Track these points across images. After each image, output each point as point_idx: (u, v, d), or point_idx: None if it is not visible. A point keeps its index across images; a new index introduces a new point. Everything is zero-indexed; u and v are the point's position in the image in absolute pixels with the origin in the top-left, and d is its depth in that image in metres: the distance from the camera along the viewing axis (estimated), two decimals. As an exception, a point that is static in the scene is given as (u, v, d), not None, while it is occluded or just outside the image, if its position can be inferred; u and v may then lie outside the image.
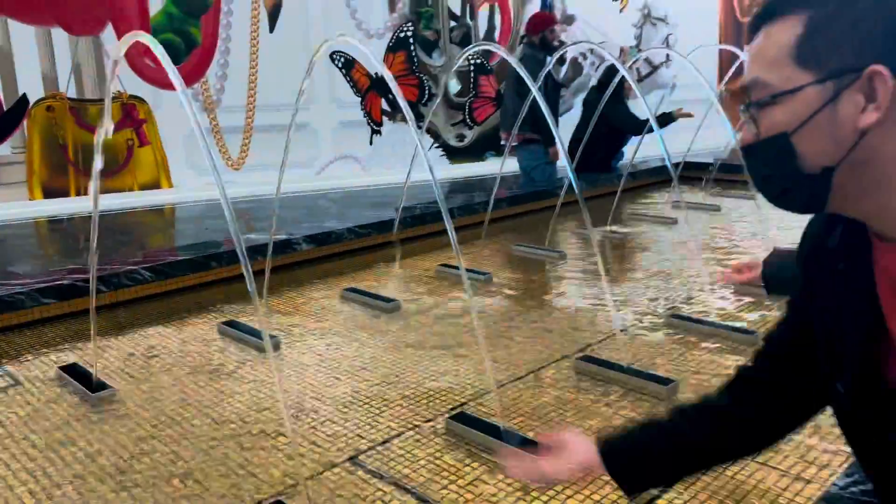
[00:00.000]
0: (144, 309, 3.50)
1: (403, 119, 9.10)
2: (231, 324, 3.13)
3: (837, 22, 0.80)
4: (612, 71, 5.49)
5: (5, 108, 6.33)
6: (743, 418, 1.13)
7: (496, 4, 9.80)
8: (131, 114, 7.30)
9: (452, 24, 9.52)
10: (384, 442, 2.15)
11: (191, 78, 7.58)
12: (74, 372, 2.67)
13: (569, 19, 10.58)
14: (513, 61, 3.51)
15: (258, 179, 7.43)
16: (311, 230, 4.34)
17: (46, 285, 3.30)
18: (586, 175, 4.54)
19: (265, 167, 7.76)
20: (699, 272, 3.85)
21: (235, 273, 3.85)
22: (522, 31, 7.71)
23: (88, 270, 2.51)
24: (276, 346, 2.89)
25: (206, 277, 3.75)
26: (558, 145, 3.57)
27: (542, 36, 5.98)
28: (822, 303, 0.98)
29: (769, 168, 0.88)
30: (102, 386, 2.53)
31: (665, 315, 3.17)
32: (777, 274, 1.56)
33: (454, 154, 9.48)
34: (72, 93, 6.88)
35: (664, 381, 2.42)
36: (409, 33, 9.12)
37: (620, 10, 11.23)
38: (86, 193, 6.89)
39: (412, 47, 9.06)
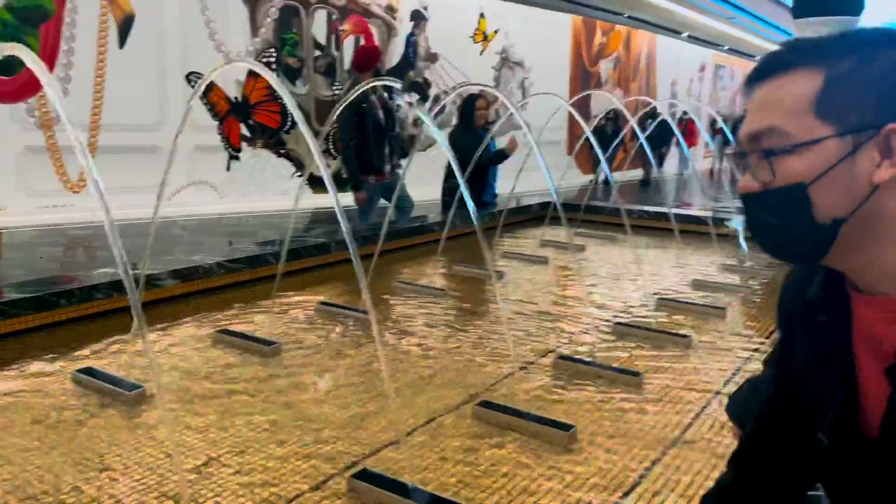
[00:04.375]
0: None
1: (264, 145, 8.85)
2: (89, 371, 2.77)
3: (856, 79, 0.82)
4: (468, 102, 5.59)
5: None
6: (754, 487, 1.10)
7: (361, 36, 9.79)
8: (-47, 127, 6.50)
9: (317, 52, 9.38)
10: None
11: (24, 91, 6.90)
12: None
13: (432, 57, 10.78)
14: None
15: (100, 204, 6.81)
16: (173, 263, 4.00)
17: None
18: (459, 211, 4.56)
19: (109, 191, 7.13)
20: (576, 312, 3.96)
21: (85, 313, 3.47)
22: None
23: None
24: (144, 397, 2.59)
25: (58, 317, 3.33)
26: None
27: (375, 72, 5.62)
28: (804, 354, 0.99)
29: (777, 217, 0.88)
30: None
31: (551, 356, 3.19)
32: (742, 411, 1.53)
33: (317, 183, 9.28)
34: None
35: (564, 427, 2.41)
36: (272, 59, 8.88)
37: (481, 53, 11.65)
38: None
39: (275, 74, 8.80)
